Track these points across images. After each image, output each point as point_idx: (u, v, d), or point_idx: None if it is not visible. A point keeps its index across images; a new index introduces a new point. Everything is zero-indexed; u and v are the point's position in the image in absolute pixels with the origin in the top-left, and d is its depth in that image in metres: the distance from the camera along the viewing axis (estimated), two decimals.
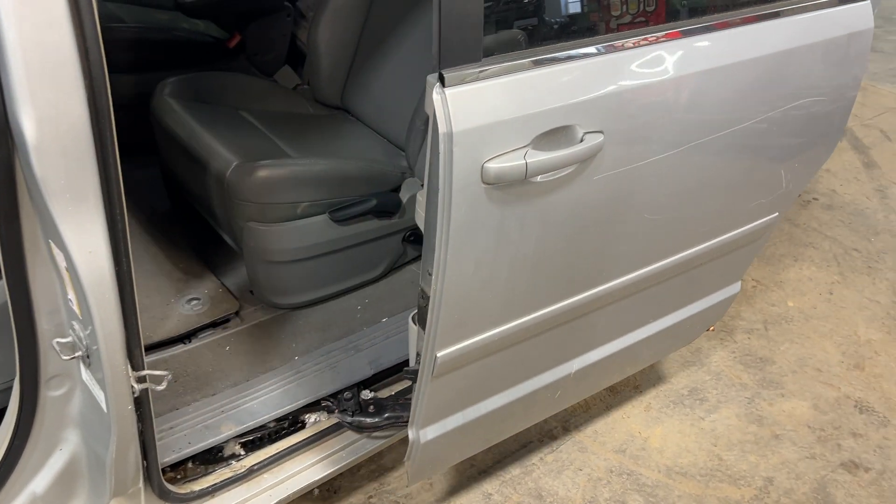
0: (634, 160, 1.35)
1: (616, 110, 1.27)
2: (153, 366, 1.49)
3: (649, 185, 1.42)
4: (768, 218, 1.87)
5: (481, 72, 1.13)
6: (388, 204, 1.92)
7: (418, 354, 1.40)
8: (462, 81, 1.10)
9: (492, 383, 1.61)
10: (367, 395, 1.78)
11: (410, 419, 1.52)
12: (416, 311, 1.40)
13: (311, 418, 1.72)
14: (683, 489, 2.21)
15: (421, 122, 1.93)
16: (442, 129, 1.08)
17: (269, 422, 1.65)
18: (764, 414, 2.49)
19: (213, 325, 1.89)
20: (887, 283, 3.16)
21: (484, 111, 1.12)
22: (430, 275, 1.24)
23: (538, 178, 1.21)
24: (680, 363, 2.67)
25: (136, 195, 2.25)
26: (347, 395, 1.75)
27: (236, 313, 1.94)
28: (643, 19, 1.36)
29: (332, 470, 1.67)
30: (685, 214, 1.59)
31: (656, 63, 1.34)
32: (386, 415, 1.71)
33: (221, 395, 1.71)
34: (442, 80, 1.08)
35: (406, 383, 1.85)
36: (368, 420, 1.70)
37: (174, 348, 1.82)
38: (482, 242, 1.23)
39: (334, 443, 1.69)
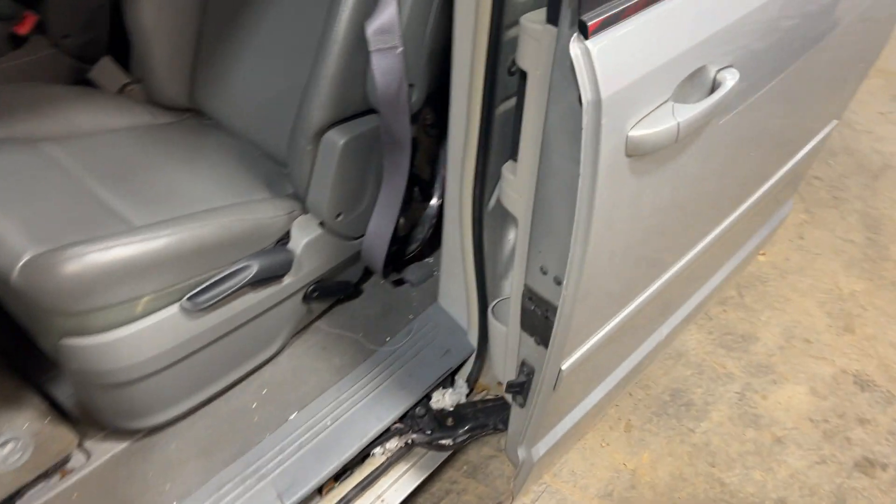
0: (755, 90, 1.16)
1: (746, 36, 1.08)
2: None
3: (761, 113, 1.25)
4: (833, 124, 1.80)
5: (622, 9, 0.89)
6: (274, 266, 1.35)
7: (524, 364, 1.24)
8: (604, 27, 0.87)
9: (604, 371, 1.52)
10: (436, 402, 1.57)
11: (516, 438, 1.39)
12: (495, 302, 1.38)
13: (378, 449, 1.50)
14: None
15: (306, 140, 1.34)
16: (587, 95, 0.85)
17: None
18: (759, 411, 2.11)
19: (46, 475, 1.30)
20: (857, 216, 2.81)
21: (631, 63, 0.90)
22: (546, 274, 1.07)
23: None
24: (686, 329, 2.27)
25: None
26: (420, 410, 1.52)
27: (79, 445, 1.35)
28: None
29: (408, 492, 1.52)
30: (783, 135, 1.50)
31: None
32: (468, 425, 1.54)
33: None
34: (583, 29, 0.84)
35: None
36: (449, 436, 1.53)
37: None
38: (621, 225, 1.04)
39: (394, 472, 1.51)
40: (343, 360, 1.54)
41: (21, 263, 1.12)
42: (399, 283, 1.72)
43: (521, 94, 1.19)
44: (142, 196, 1.36)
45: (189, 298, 1.24)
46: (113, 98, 1.65)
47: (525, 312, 1.17)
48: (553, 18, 0.90)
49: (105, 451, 1.36)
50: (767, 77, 1.20)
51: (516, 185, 1.16)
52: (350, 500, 1.44)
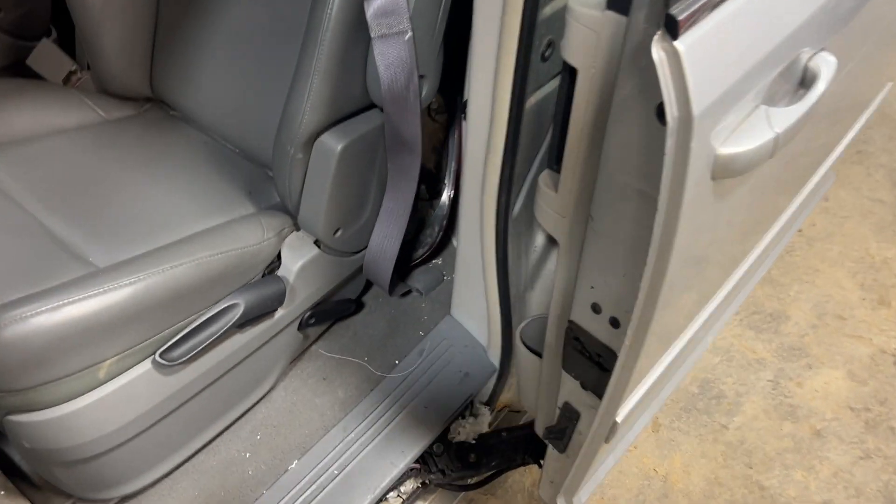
0: (842, 70, 0.94)
1: (836, 13, 0.87)
2: None
3: (842, 86, 1.06)
4: (889, 86, 1.69)
5: (708, 2, 0.66)
6: (263, 302, 1.12)
7: (567, 406, 1.09)
8: (696, 21, 0.65)
9: (649, 402, 1.28)
10: (456, 435, 1.38)
11: (554, 484, 1.25)
12: (523, 324, 1.21)
13: (392, 494, 1.33)
14: None
15: (295, 147, 1.09)
16: (673, 112, 0.65)
17: None
18: (795, 401, 1.95)
19: None
20: (884, 172, 2.61)
21: (726, 66, 0.70)
22: (616, 325, 0.90)
23: None
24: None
25: None
26: (438, 448, 1.34)
27: None
28: None
29: None
30: (849, 108, 1.35)
31: None
32: (494, 461, 1.37)
33: None
34: (672, 25, 0.62)
35: None
36: (472, 475, 1.36)
37: None
38: (697, 257, 0.88)
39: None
40: (347, 392, 1.33)
41: None
42: (406, 293, 1.50)
43: (566, 92, 0.95)
44: (101, 224, 1.11)
45: (162, 354, 1.01)
46: (56, 91, 1.37)
47: (569, 352, 1.01)
48: (619, 5, 0.70)
49: None
50: (852, 54, 1.02)
51: (558, 204, 0.95)
52: None
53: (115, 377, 0.99)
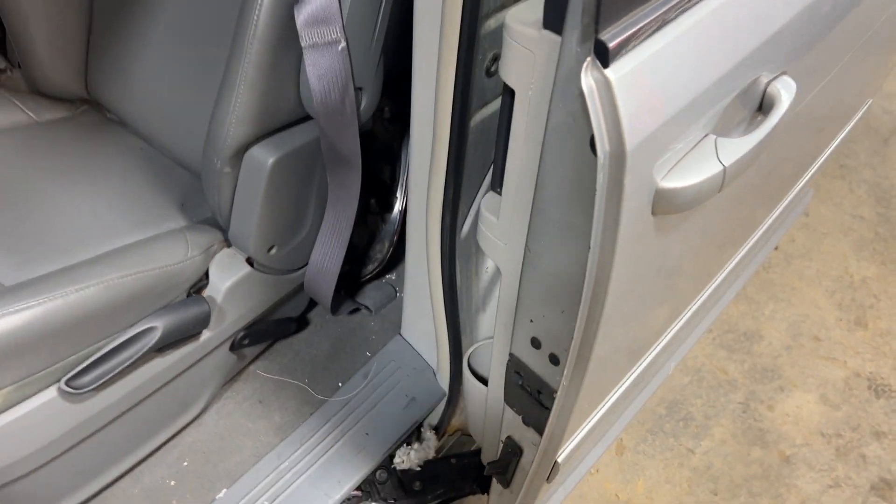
0: (806, 94, 0.93)
1: (802, 33, 0.83)
2: None
3: (808, 109, 1.02)
4: (866, 106, 1.67)
5: (653, 20, 0.61)
6: (184, 326, 1.04)
7: (510, 441, 1.05)
8: (629, 48, 0.59)
9: (600, 436, 1.31)
10: (400, 463, 1.29)
11: None
12: (471, 350, 1.14)
13: None
14: None
15: (222, 161, 1.02)
16: (604, 147, 0.59)
17: None
18: (765, 425, 1.89)
19: None
20: (866, 188, 2.56)
21: (664, 94, 0.63)
22: (539, 347, 0.86)
23: None
24: None
25: None
26: (381, 475, 1.27)
27: None
28: None
29: None
30: (823, 127, 1.32)
31: None
32: (440, 490, 1.30)
33: None
34: (601, 52, 0.56)
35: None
36: (417, 502, 1.27)
37: None
38: (638, 292, 0.83)
39: None
40: (284, 416, 1.26)
41: None
42: (354, 310, 1.42)
43: (505, 113, 0.88)
44: (14, 236, 1.04)
45: (68, 381, 0.94)
46: None
47: (510, 386, 0.97)
48: (554, 24, 0.63)
49: None
50: (821, 75, 0.97)
51: (499, 231, 0.89)
52: None
53: (13, 406, 0.91)
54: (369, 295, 1.43)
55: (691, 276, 1.11)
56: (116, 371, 0.97)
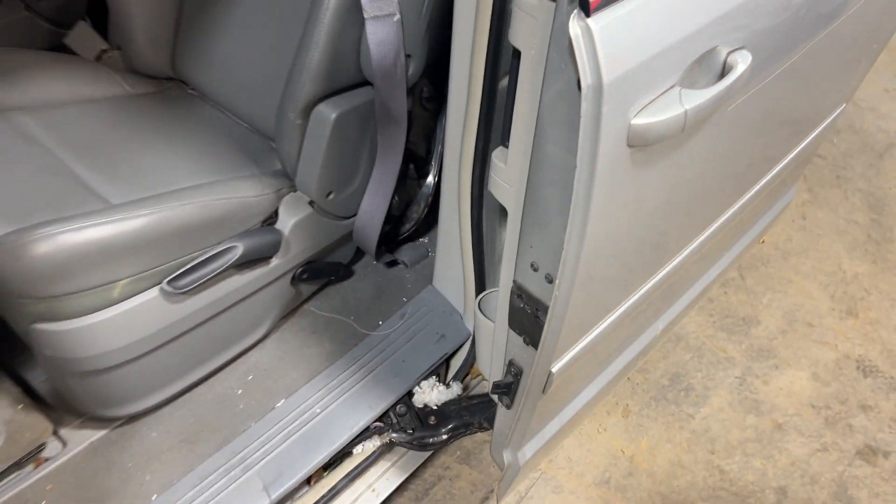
0: (767, 73, 1.07)
1: (760, 14, 0.98)
2: None
3: (772, 98, 1.17)
4: (841, 108, 1.74)
5: None
6: (260, 247, 1.27)
7: (512, 364, 1.17)
8: (609, 2, 0.77)
9: (594, 371, 1.45)
10: (423, 395, 1.49)
11: (502, 440, 1.34)
12: (482, 295, 1.29)
13: (357, 448, 1.44)
14: None
15: (295, 113, 1.25)
16: (587, 79, 0.76)
17: None
18: (760, 397, 2.06)
19: (19, 464, 1.23)
20: (860, 196, 2.75)
21: (637, 44, 0.81)
22: (537, 270, 0.99)
23: None
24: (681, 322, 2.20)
25: None
26: (401, 408, 1.45)
27: (54, 433, 1.28)
28: None
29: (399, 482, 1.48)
30: (792, 119, 1.41)
31: None
32: (452, 424, 1.48)
33: None
34: (584, 5, 0.75)
35: None
36: (432, 435, 1.46)
37: None
38: (619, 220, 0.96)
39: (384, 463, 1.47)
40: (333, 345, 1.48)
41: None
42: (392, 264, 1.64)
43: (513, 74, 1.09)
44: (120, 172, 1.27)
45: (169, 282, 1.16)
46: (90, 66, 1.55)
47: (514, 310, 1.10)
48: None
49: (82, 439, 1.29)
50: (780, 59, 1.12)
51: (506, 174, 1.05)
52: (339, 491, 1.38)
53: (127, 298, 1.14)
54: (406, 252, 1.65)
55: (669, 229, 1.21)
56: (207, 278, 1.19)
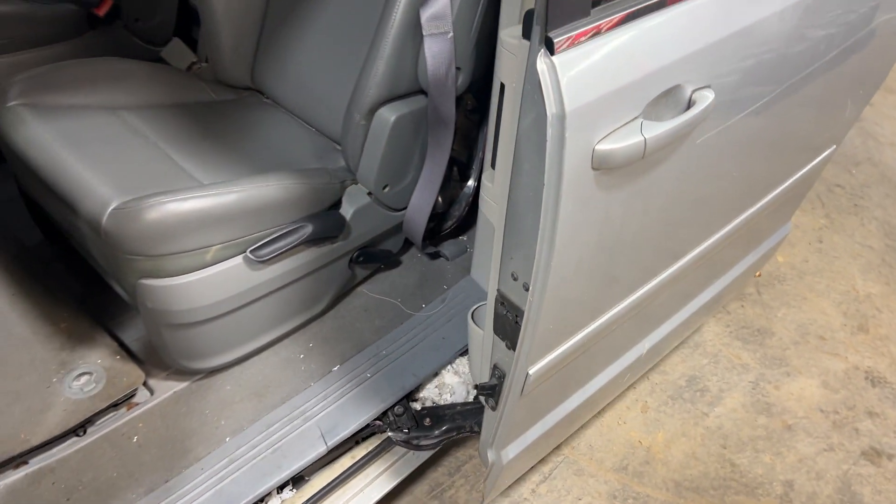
0: (737, 112, 1.17)
1: (727, 57, 1.07)
2: (35, 481, 1.34)
3: (745, 136, 1.26)
4: (829, 151, 1.78)
5: (591, 28, 0.91)
6: (326, 228, 1.48)
7: (496, 367, 1.26)
8: (572, 44, 0.88)
9: (575, 382, 1.53)
10: (417, 406, 1.61)
11: (487, 440, 1.41)
12: (475, 308, 1.32)
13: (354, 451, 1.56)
14: None
15: (360, 115, 1.48)
16: (551, 108, 0.86)
17: None
18: (771, 400, 2.21)
19: (115, 406, 1.44)
20: (877, 224, 2.90)
21: (598, 80, 0.91)
22: (517, 280, 1.07)
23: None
24: (673, 346, 2.35)
25: None
26: (399, 409, 1.56)
27: (144, 383, 1.49)
28: None
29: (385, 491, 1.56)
30: (769, 162, 1.48)
31: None
32: (445, 426, 1.57)
33: None
34: (549, 45, 0.85)
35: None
36: (426, 436, 1.55)
37: (62, 446, 1.38)
38: (587, 237, 1.05)
39: (381, 462, 1.57)
40: (382, 322, 1.68)
41: (110, 210, 1.27)
42: (435, 256, 1.85)
43: (499, 104, 1.22)
44: (209, 160, 1.50)
45: (252, 251, 1.38)
46: (182, 75, 1.81)
47: (497, 317, 1.18)
48: (526, 34, 0.93)
49: (167, 388, 1.50)
50: (750, 99, 1.19)
51: (493, 193, 1.14)
52: (333, 489, 1.50)
53: (217, 262, 1.36)
54: (447, 247, 1.86)
55: (642, 251, 1.26)
56: (283, 250, 1.41)
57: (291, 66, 1.73)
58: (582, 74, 0.88)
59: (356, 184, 1.59)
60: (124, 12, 2.03)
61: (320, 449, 1.43)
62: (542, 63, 0.86)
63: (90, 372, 1.45)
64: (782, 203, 1.74)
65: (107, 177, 1.33)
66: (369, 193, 1.57)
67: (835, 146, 1.79)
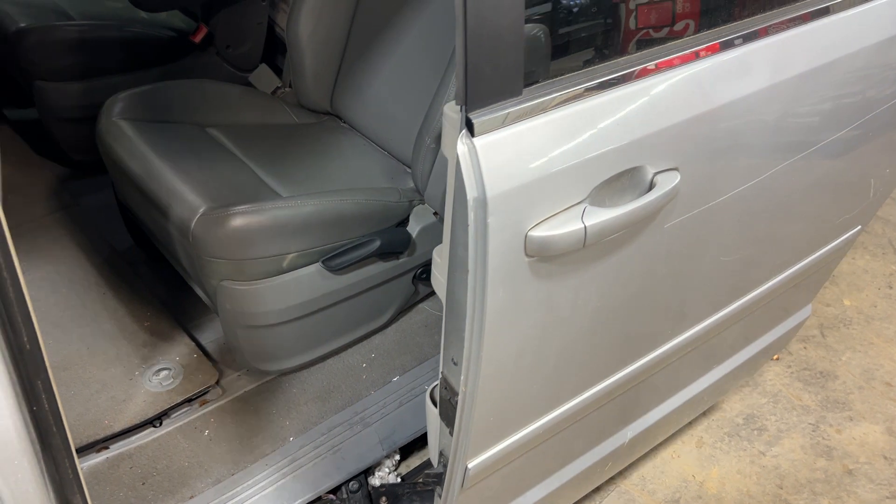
0: (712, 197, 1.06)
1: (695, 139, 0.97)
2: (115, 465, 1.39)
3: (726, 223, 1.15)
4: (851, 233, 1.62)
5: (523, 109, 0.81)
6: (394, 243, 1.56)
7: (442, 454, 1.14)
8: (498, 126, 0.79)
9: (534, 475, 1.36)
10: (375, 482, 1.51)
11: None
12: (435, 383, 1.13)
13: None
14: None
15: (431, 139, 1.56)
16: (471, 193, 0.78)
17: None
18: (832, 444, 2.17)
19: (189, 400, 1.54)
20: None
21: (527, 163, 0.82)
22: (457, 364, 0.97)
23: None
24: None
25: (90, 229, 1.89)
26: (353, 485, 1.47)
27: (216, 382, 1.59)
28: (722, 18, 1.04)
29: None
30: (765, 247, 1.33)
31: (743, 72, 1.02)
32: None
33: (201, 499, 1.38)
34: (470, 126, 0.77)
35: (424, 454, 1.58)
36: None
37: (140, 435, 1.48)
38: (526, 325, 0.95)
39: None
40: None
41: (198, 215, 1.38)
42: None
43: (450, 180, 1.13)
44: (289, 176, 1.62)
45: (325, 261, 1.47)
46: (267, 98, 1.94)
47: (442, 401, 1.09)
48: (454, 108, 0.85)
49: (238, 388, 1.60)
50: (729, 183, 1.08)
51: (441, 268, 1.01)
52: None
53: (292, 269, 1.45)
54: None
55: (600, 343, 1.14)
56: (353, 262, 1.50)
57: (368, 92, 1.84)
58: (510, 158, 0.80)
59: (423, 204, 1.67)
60: (217, 40, 2.19)
61: (377, 455, 1.49)
62: (462, 145, 0.78)
63: (169, 368, 1.56)
64: (791, 289, 1.58)
65: (197, 186, 1.45)
66: (435, 213, 1.65)
67: (860, 227, 1.62)
